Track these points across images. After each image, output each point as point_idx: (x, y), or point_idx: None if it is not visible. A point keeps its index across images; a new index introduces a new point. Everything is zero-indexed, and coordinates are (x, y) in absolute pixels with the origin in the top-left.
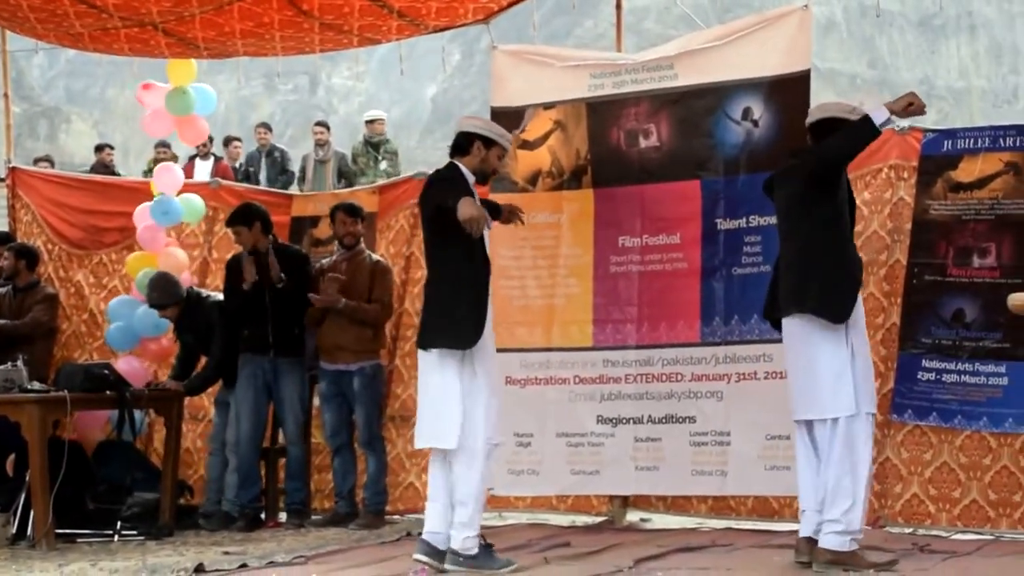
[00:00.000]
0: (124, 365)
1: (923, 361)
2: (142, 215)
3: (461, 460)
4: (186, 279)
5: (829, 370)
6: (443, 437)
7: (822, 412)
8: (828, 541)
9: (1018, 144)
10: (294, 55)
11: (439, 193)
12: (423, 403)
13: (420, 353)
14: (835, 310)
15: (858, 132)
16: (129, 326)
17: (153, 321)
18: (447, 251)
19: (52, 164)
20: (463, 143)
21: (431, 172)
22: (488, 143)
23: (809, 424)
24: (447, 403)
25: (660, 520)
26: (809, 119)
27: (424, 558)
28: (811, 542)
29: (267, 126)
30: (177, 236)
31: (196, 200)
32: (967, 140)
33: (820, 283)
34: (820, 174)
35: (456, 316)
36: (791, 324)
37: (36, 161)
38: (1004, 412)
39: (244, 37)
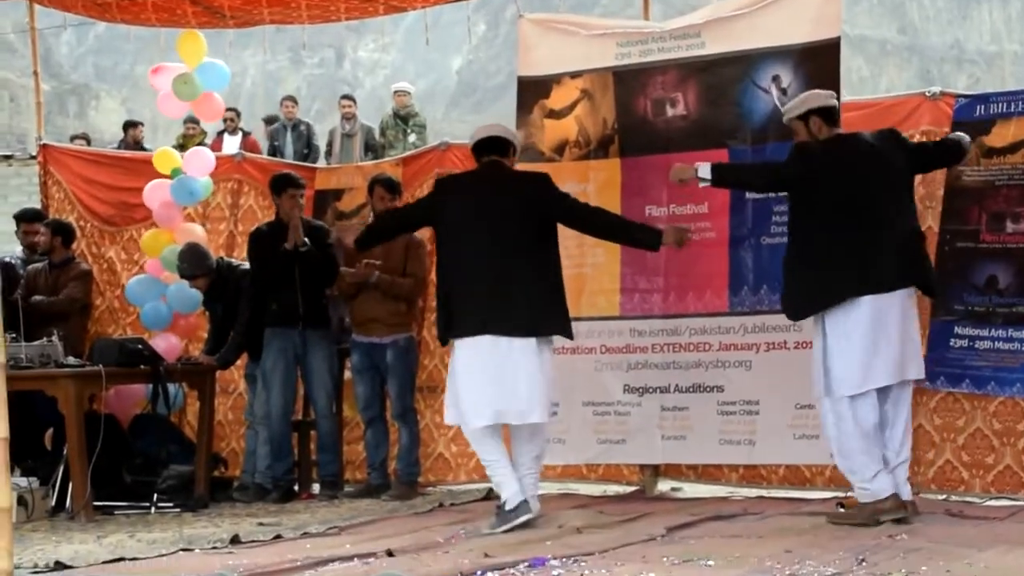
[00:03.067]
0: (161, 342)
1: (955, 328)
2: (155, 192)
3: (546, 430)
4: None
5: (918, 336)
6: (544, 412)
7: (919, 372)
8: (907, 488)
9: None
10: (320, 23)
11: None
12: (509, 381)
13: (508, 338)
14: (935, 286)
15: None
16: (160, 304)
17: (185, 297)
18: (549, 245)
19: (88, 142)
20: (502, 147)
21: (535, 173)
22: (515, 151)
23: (885, 390)
24: (545, 381)
25: (691, 489)
26: (800, 110)
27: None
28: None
29: (293, 99)
30: (203, 210)
31: (205, 180)
32: (1000, 105)
33: (927, 260)
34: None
35: (565, 306)
36: (899, 297)
37: (72, 139)
38: None
39: (270, 5)
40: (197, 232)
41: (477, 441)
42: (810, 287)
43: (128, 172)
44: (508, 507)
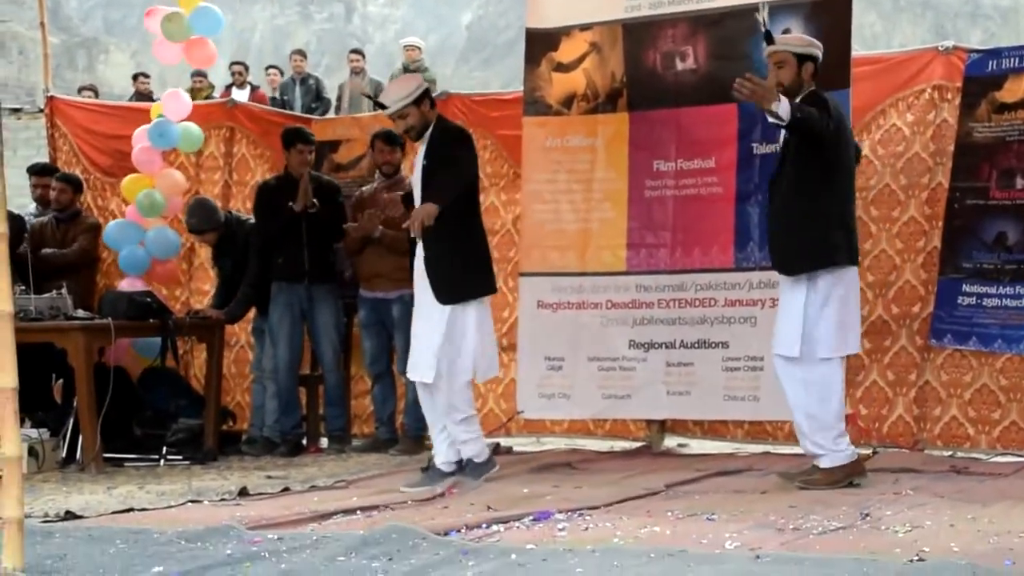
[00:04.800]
0: (126, 286)
1: (964, 285)
2: (139, 138)
3: None
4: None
5: None
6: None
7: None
8: None
9: None
10: None
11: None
12: (488, 340)
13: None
14: None
15: None
16: (138, 249)
17: (163, 242)
18: None
19: (96, 94)
20: None
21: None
22: None
23: None
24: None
25: (697, 445)
26: (805, 50)
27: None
28: None
29: (302, 53)
30: (196, 159)
31: (194, 128)
32: (1012, 59)
33: None
34: None
35: None
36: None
37: (80, 90)
38: None
39: None
40: (176, 177)
41: (469, 395)
42: (822, 243)
43: (125, 121)
44: (481, 459)
